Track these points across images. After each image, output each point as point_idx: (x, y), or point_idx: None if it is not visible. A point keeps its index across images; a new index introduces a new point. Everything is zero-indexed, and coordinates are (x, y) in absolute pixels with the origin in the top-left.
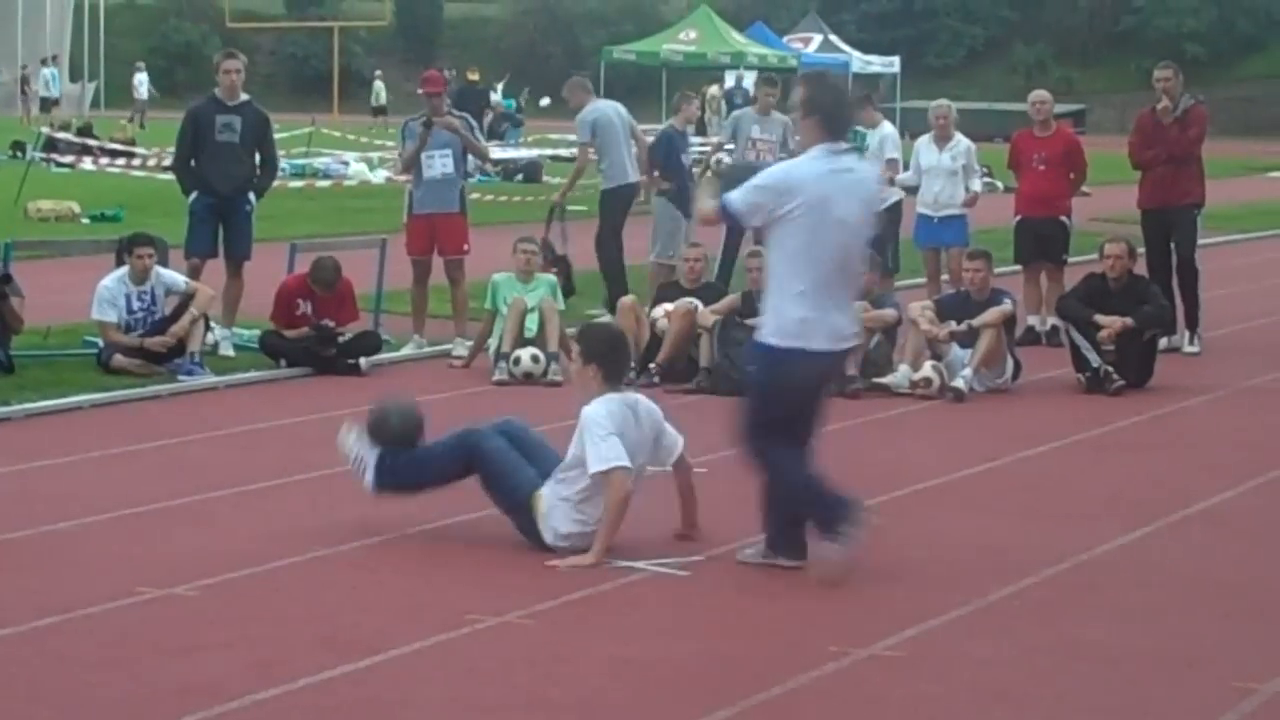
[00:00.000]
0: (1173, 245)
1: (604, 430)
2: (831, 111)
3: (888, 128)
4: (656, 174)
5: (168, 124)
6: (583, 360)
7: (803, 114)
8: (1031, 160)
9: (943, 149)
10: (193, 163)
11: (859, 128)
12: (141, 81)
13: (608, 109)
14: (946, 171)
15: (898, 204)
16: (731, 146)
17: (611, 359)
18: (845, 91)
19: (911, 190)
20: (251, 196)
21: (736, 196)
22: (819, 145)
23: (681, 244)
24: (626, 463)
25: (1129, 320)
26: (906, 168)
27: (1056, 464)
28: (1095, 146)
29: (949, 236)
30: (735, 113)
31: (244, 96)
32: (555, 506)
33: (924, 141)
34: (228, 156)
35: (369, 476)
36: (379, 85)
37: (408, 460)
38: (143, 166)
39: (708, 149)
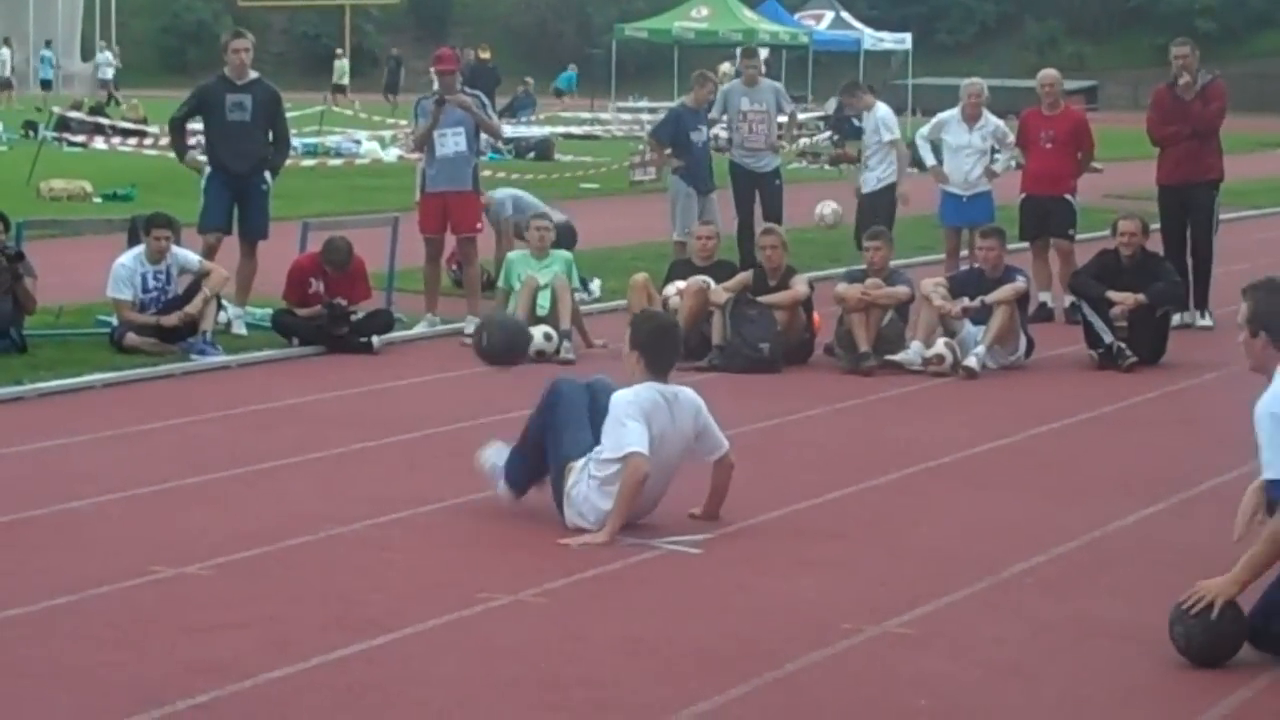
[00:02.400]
0: (1188, 220)
1: (627, 415)
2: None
3: (881, 109)
4: (668, 152)
5: (178, 103)
6: (629, 345)
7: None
8: (1039, 138)
9: (973, 128)
10: (203, 141)
11: (851, 116)
12: (105, 60)
13: None
14: (977, 151)
15: (891, 186)
16: (725, 121)
17: (654, 349)
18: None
19: (923, 168)
20: (267, 175)
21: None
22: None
23: (695, 221)
24: (642, 448)
25: (1142, 296)
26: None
27: (1069, 441)
28: (1107, 122)
29: (977, 214)
30: (723, 88)
31: (253, 74)
32: (581, 483)
33: (952, 120)
34: (240, 135)
35: (501, 485)
36: (341, 64)
37: (518, 447)
38: (155, 146)
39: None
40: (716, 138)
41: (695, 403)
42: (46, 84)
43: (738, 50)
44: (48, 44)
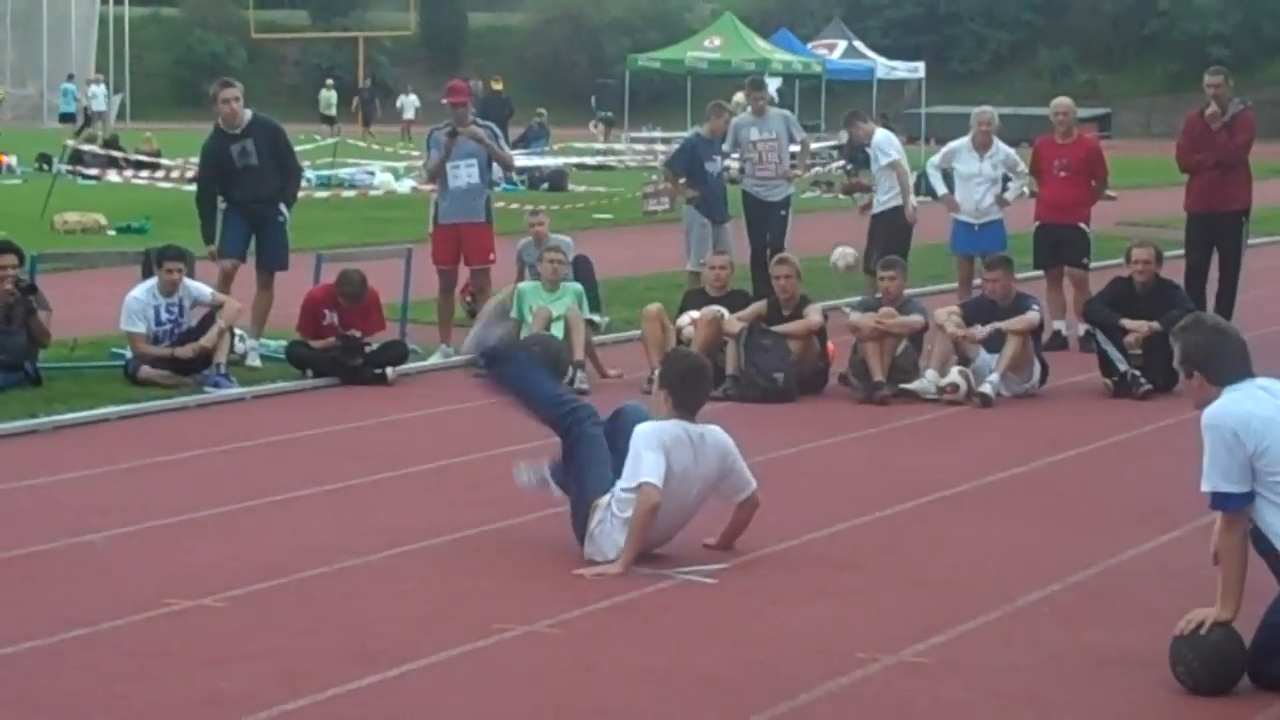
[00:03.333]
0: (1216, 249)
1: (646, 447)
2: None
3: (879, 134)
4: (682, 181)
5: (192, 135)
6: (659, 383)
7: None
8: (1053, 167)
9: (983, 156)
10: (221, 200)
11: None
12: (96, 94)
13: None
14: (988, 179)
15: (897, 209)
16: (737, 154)
17: (681, 389)
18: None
19: (934, 196)
20: (283, 207)
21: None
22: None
23: (709, 251)
24: (654, 479)
25: (1156, 324)
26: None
27: (1084, 469)
28: (1121, 150)
29: (988, 243)
30: (733, 121)
31: (248, 115)
32: (606, 521)
33: (963, 149)
34: (254, 180)
35: (554, 487)
36: (328, 95)
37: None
38: (168, 178)
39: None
40: (727, 169)
41: (723, 445)
42: (66, 117)
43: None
44: (69, 77)
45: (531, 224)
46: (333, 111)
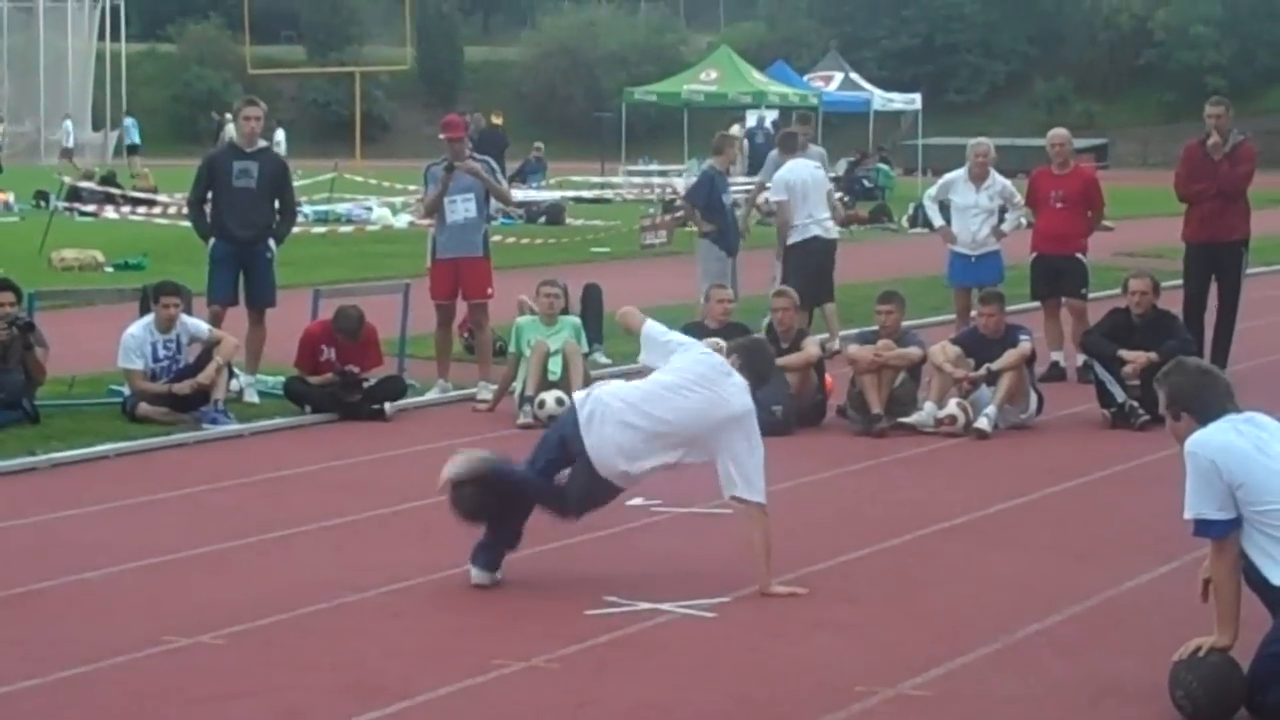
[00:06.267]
0: (1215, 279)
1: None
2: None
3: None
4: (698, 213)
5: (188, 171)
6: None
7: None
8: (1049, 198)
9: (980, 188)
10: (208, 208)
11: (862, 177)
12: (68, 129)
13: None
14: (985, 211)
15: (812, 239)
16: (784, 197)
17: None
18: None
19: (931, 228)
20: (271, 243)
21: None
22: None
23: (727, 283)
24: (763, 498)
25: (1153, 355)
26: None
27: (1082, 500)
28: (1117, 181)
29: (985, 275)
30: (771, 153)
31: (262, 143)
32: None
33: (959, 181)
34: (245, 202)
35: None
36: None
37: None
38: (164, 214)
39: (751, 189)
40: (736, 204)
41: (741, 407)
42: (66, 153)
43: (746, 112)
44: (66, 116)
45: (545, 294)
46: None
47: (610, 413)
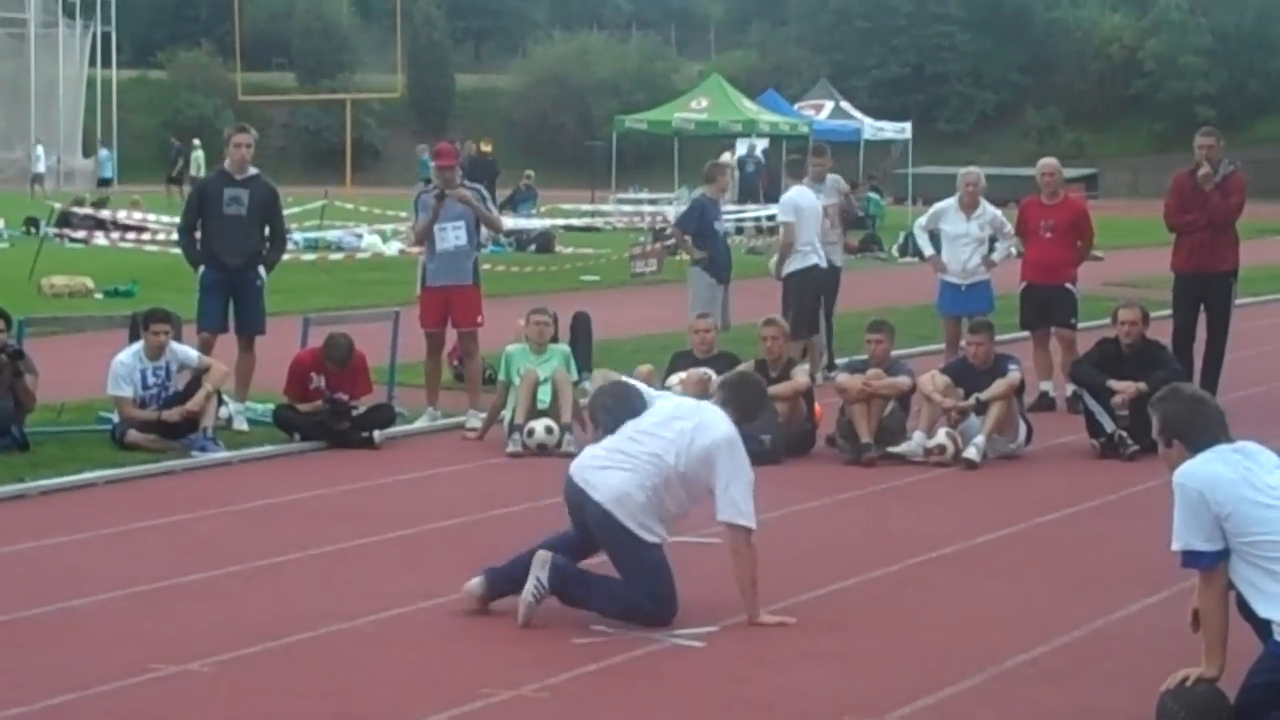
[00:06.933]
0: (1204, 309)
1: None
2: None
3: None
4: (689, 241)
5: (179, 198)
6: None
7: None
8: (1039, 227)
9: (970, 217)
10: (198, 235)
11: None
12: (39, 156)
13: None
14: (975, 240)
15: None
16: (791, 219)
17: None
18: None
19: (921, 257)
20: (261, 271)
21: None
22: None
23: (718, 311)
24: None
25: (1142, 385)
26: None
27: (1071, 530)
28: (1108, 210)
29: (975, 304)
30: (793, 188)
31: (253, 170)
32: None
33: (949, 210)
34: (235, 229)
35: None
36: (197, 156)
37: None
38: (154, 241)
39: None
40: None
41: (715, 441)
42: (40, 178)
43: (737, 140)
44: (38, 142)
45: (535, 322)
46: (199, 171)
47: (598, 458)
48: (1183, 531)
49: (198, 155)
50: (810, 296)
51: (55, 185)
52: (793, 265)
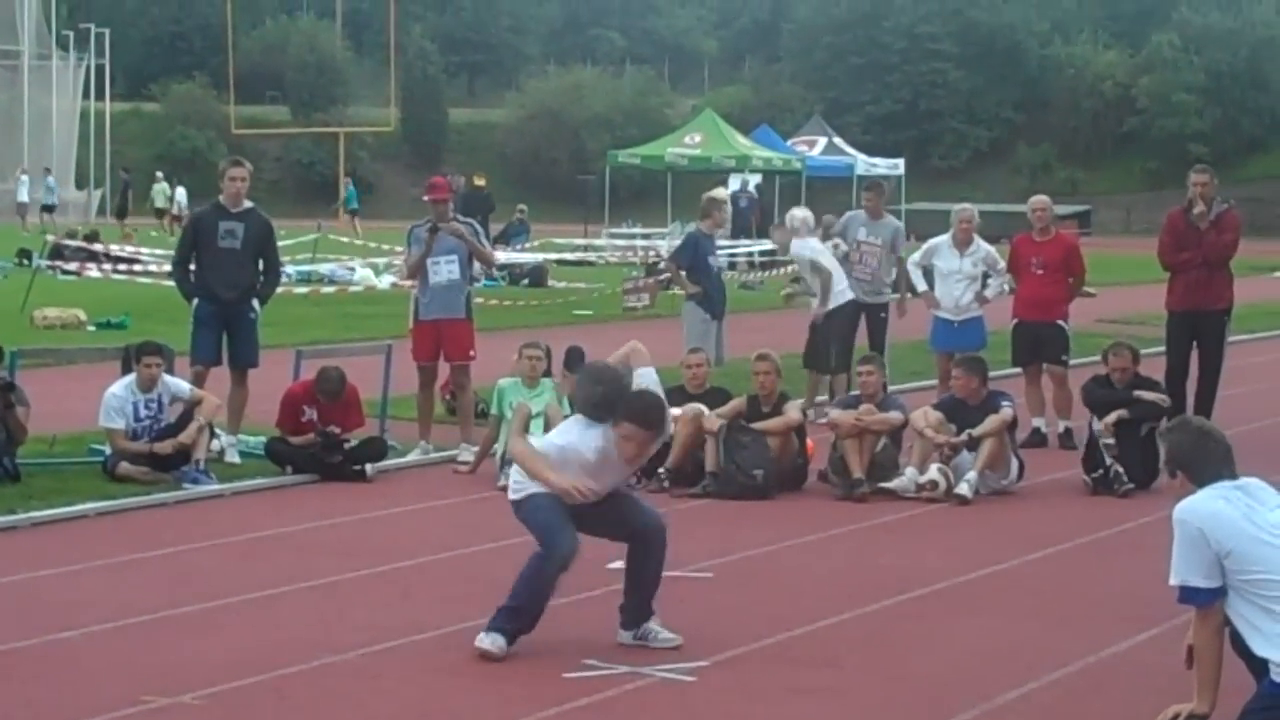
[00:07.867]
0: (1196, 346)
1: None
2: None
3: (796, 243)
4: (683, 276)
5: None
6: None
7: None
8: (1030, 264)
9: (964, 254)
10: (193, 268)
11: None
12: (22, 184)
13: None
14: (968, 276)
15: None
16: (839, 243)
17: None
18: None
19: (914, 293)
20: (255, 304)
21: None
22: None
23: (711, 346)
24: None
25: (1124, 411)
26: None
27: (1063, 566)
28: (1100, 247)
29: (968, 340)
30: (848, 214)
31: (248, 204)
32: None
33: (943, 246)
34: (229, 263)
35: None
36: (161, 187)
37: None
38: (146, 273)
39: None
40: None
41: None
42: (48, 209)
43: (730, 176)
44: (47, 171)
45: (527, 356)
46: (167, 205)
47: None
48: (1181, 567)
49: (177, 190)
50: (847, 330)
51: (36, 218)
52: (834, 302)
